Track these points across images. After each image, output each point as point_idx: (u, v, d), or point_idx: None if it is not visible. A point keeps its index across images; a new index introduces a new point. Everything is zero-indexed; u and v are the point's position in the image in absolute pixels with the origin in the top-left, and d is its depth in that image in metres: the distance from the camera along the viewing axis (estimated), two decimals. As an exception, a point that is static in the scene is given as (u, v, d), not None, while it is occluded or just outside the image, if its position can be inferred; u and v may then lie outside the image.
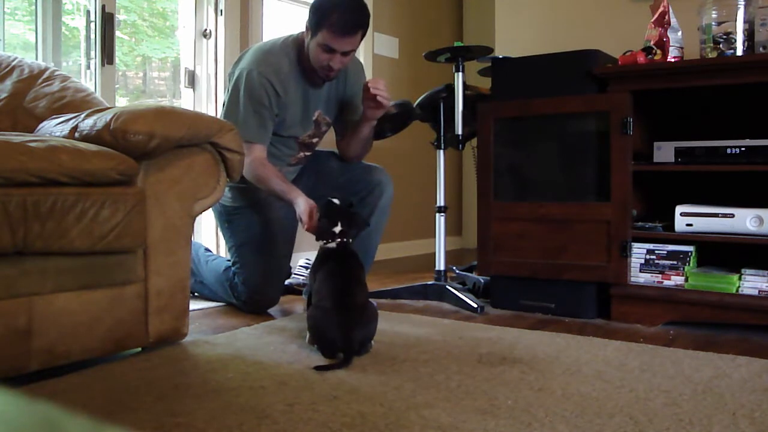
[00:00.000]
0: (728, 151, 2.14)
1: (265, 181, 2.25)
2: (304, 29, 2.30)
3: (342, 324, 1.68)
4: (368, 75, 4.05)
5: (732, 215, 2.10)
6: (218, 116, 2.44)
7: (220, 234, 2.61)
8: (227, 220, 2.44)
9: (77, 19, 2.74)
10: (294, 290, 2.74)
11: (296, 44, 2.34)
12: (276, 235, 2.41)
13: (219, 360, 1.69)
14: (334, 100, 2.47)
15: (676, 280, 2.21)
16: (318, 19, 2.20)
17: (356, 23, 2.21)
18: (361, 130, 2.45)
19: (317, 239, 1.95)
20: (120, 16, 2.88)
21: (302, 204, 2.11)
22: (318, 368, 1.60)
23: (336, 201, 1.94)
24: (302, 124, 2.40)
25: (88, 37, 2.68)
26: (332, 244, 1.90)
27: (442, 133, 2.70)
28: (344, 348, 1.66)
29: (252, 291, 2.35)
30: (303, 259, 2.91)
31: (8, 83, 2.06)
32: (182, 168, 1.74)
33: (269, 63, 2.25)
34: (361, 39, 2.26)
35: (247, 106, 2.22)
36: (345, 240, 1.91)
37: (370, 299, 1.84)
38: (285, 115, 2.32)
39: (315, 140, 2.50)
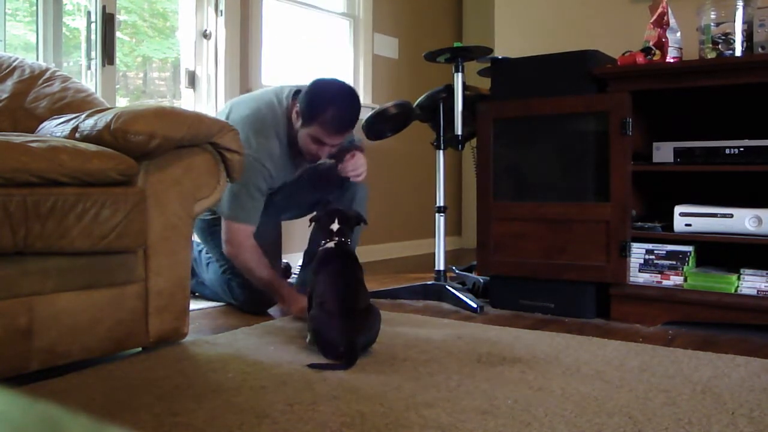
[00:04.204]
0: (727, 151, 2.14)
1: (248, 266, 2.25)
2: (295, 108, 2.26)
3: (345, 328, 1.68)
4: (368, 75, 4.06)
5: (731, 215, 2.11)
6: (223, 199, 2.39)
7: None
8: (211, 233, 2.43)
9: (78, 19, 2.75)
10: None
11: (285, 116, 2.30)
12: (260, 240, 2.38)
13: (219, 360, 1.69)
14: None
15: (675, 280, 2.21)
16: (312, 112, 2.18)
17: (350, 121, 2.22)
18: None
19: (320, 237, 1.97)
20: (120, 17, 2.89)
21: (293, 306, 2.22)
22: (313, 366, 1.61)
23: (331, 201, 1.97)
24: (288, 179, 2.44)
25: (88, 38, 2.68)
26: (331, 244, 1.91)
27: (441, 134, 2.71)
28: (346, 352, 1.66)
29: (250, 293, 2.35)
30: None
31: (9, 84, 2.06)
32: (182, 168, 1.75)
33: (263, 147, 2.22)
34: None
35: (243, 189, 2.19)
36: (343, 239, 1.92)
37: (371, 301, 1.84)
38: (274, 182, 2.35)
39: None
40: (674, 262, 2.22)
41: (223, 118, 2.31)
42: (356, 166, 2.35)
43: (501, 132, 2.51)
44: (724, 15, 2.22)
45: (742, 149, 2.12)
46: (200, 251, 2.63)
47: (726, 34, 2.21)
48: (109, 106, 2.07)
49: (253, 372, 1.57)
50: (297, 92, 2.33)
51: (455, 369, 1.61)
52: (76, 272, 1.55)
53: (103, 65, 2.68)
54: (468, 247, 4.71)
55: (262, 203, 2.27)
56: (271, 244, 2.46)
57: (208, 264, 2.57)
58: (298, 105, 2.25)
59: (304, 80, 2.47)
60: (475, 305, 2.41)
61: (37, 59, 2.55)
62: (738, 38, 2.19)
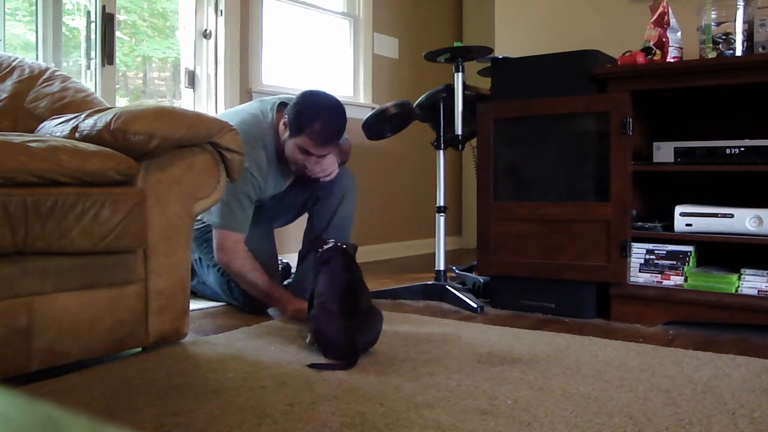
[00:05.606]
0: (728, 151, 2.14)
1: (241, 272, 2.26)
2: (283, 119, 2.29)
3: (347, 328, 1.68)
4: (368, 75, 4.06)
5: (731, 215, 2.11)
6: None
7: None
8: (205, 240, 2.43)
9: (77, 19, 2.74)
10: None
11: (272, 128, 2.33)
12: (255, 245, 2.38)
13: (219, 360, 1.69)
14: None
15: (675, 280, 2.21)
16: (300, 123, 2.22)
17: (337, 133, 2.26)
18: None
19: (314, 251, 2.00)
20: (120, 17, 2.89)
21: (288, 306, 2.23)
22: (313, 366, 1.61)
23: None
24: (278, 190, 2.46)
25: (88, 38, 2.68)
26: (330, 243, 1.92)
27: (441, 134, 2.71)
28: (347, 352, 1.65)
29: (248, 294, 2.35)
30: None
31: (9, 83, 2.06)
32: (182, 168, 1.75)
33: (251, 157, 2.21)
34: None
35: (232, 197, 2.21)
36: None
37: (374, 303, 1.84)
38: (264, 192, 2.37)
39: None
40: (675, 262, 2.22)
41: None
42: (324, 167, 2.36)
43: (501, 132, 2.51)
44: (725, 15, 2.21)
45: (742, 149, 2.12)
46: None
47: (726, 34, 2.21)
48: (108, 106, 2.07)
49: (253, 372, 1.57)
50: (282, 104, 2.37)
51: (455, 369, 1.61)
52: (76, 272, 1.54)
53: (103, 65, 2.68)
54: (468, 247, 4.71)
55: (252, 211, 2.29)
56: (266, 254, 2.45)
57: (208, 266, 2.56)
58: (285, 116, 2.29)
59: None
60: (475, 305, 2.41)
61: (37, 59, 2.55)
62: (739, 38, 2.19)
